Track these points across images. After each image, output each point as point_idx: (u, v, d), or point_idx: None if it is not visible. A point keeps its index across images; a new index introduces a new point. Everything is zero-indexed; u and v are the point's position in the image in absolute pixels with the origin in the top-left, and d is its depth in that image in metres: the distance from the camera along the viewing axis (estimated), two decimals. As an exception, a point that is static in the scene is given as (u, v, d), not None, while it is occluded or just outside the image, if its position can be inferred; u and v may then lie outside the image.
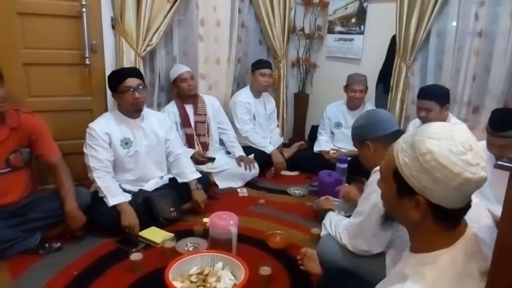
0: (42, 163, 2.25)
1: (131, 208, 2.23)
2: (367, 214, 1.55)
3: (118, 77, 2.34)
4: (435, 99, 2.41)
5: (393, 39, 3.19)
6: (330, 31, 3.86)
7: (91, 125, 2.33)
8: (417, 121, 2.66)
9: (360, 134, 1.70)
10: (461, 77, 2.76)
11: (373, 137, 1.64)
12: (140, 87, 2.35)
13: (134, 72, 2.42)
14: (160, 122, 2.57)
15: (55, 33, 2.55)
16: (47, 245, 2.06)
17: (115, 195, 2.25)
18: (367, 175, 1.62)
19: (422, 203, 0.88)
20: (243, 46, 3.68)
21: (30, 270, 1.90)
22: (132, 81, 2.32)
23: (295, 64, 4.07)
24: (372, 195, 1.52)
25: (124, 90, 2.31)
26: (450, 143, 0.85)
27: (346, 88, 3.28)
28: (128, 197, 2.31)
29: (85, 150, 2.30)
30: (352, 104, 3.32)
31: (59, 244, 2.08)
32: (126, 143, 2.39)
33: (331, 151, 3.26)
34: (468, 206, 0.91)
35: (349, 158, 2.92)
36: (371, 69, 3.42)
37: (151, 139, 2.50)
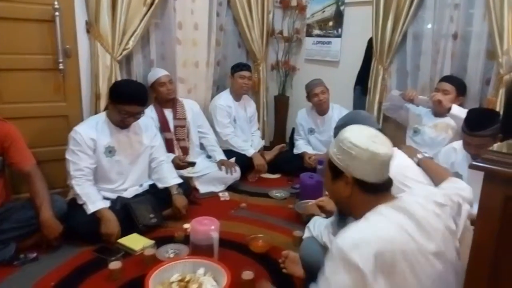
0: (16, 172, 2.18)
1: (112, 215, 2.19)
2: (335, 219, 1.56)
3: (126, 98, 2.24)
4: (456, 85, 2.62)
5: (370, 41, 3.23)
6: (309, 34, 3.89)
7: (77, 129, 2.26)
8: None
9: None
10: (438, 78, 2.81)
11: None
12: (138, 115, 2.32)
13: (142, 99, 2.31)
14: (147, 129, 2.54)
15: (27, 38, 2.48)
16: (22, 255, 2.00)
17: (94, 202, 2.19)
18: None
19: (349, 179, 1.17)
20: (222, 50, 3.67)
21: (5, 282, 1.83)
22: (136, 109, 2.28)
23: (274, 67, 4.08)
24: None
25: (123, 111, 2.26)
26: (360, 132, 1.19)
27: (308, 97, 3.31)
28: (107, 204, 2.26)
29: (66, 156, 2.24)
30: (321, 109, 3.35)
31: (35, 255, 2.02)
32: (110, 151, 2.34)
33: (313, 157, 3.26)
34: (387, 183, 1.20)
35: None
36: (349, 72, 3.47)
37: (136, 149, 2.46)
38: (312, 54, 3.90)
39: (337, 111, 3.33)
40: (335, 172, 1.20)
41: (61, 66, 2.55)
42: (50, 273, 1.91)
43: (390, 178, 1.21)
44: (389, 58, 3.11)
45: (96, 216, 2.16)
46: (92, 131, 2.28)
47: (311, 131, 3.46)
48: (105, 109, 2.48)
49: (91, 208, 2.16)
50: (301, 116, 3.50)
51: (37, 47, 2.52)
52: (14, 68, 2.48)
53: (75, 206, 2.21)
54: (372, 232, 1.07)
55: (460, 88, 2.64)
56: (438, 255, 1.13)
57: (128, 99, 2.25)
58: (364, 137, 1.16)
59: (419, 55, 2.99)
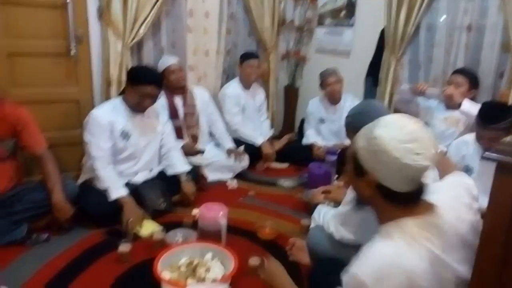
0: (28, 154, 2.21)
1: (134, 202, 2.22)
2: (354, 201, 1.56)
3: (145, 79, 2.28)
4: (469, 78, 2.56)
5: (383, 32, 3.20)
6: (320, 24, 3.86)
7: (94, 112, 2.29)
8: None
9: (354, 122, 1.68)
10: (451, 71, 2.78)
11: None
12: (155, 98, 2.35)
13: (159, 81, 2.37)
14: (158, 115, 2.57)
15: (40, 23, 2.50)
16: (34, 236, 2.04)
17: (117, 188, 2.23)
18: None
19: (372, 183, 1.01)
20: (233, 38, 3.65)
21: (17, 261, 1.88)
22: (154, 90, 2.30)
23: (285, 56, 4.06)
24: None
25: (141, 93, 2.28)
26: (397, 132, 0.97)
27: (322, 86, 3.29)
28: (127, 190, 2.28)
29: (86, 138, 2.26)
30: (333, 99, 3.33)
31: (46, 235, 2.06)
32: (125, 135, 2.36)
33: (321, 148, 3.25)
34: (418, 193, 1.02)
35: (339, 150, 2.93)
36: (361, 62, 3.44)
37: (150, 133, 2.49)
38: (323, 44, 3.87)
39: (349, 101, 3.30)
40: (358, 169, 1.04)
41: (73, 52, 2.57)
42: (61, 254, 1.95)
43: (422, 186, 1.04)
44: (401, 49, 3.07)
45: (109, 201, 2.19)
46: (109, 114, 2.30)
47: (322, 120, 3.44)
48: (120, 93, 2.49)
49: (114, 194, 2.19)
50: (312, 105, 3.48)
51: (49, 32, 2.54)
52: (27, 53, 2.51)
53: (86, 189, 2.25)
54: (394, 260, 0.94)
55: (473, 81, 2.60)
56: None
57: (147, 80, 2.28)
58: (399, 142, 0.96)
59: (432, 46, 2.95)
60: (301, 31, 3.93)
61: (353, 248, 1.62)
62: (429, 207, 1.03)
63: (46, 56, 2.58)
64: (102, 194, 2.21)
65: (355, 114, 1.71)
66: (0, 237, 1.96)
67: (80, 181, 2.37)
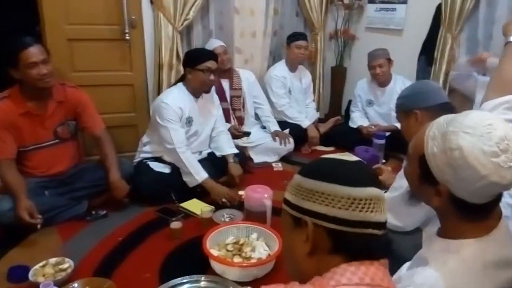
0: (87, 135, 2.36)
1: (215, 183, 2.35)
2: (403, 191, 1.52)
3: (204, 56, 2.40)
4: None
5: (439, 8, 3.02)
6: (371, 0, 3.70)
7: (165, 100, 2.35)
8: None
9: (407, 104, 1.61)
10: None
11: (422, 107, 1.54)
12: (215, 74, 2.43)
13: (216, 55, 2.49)
14: (213, 100, 2.65)
15: (96, 9, 2.62)
16: (94, 212, 2.19)
17: (199, 172, 2.33)
18: (405, 151, 1.57)
19: (444, 194, 0.84)
20: (279, 19, 3.61)
21: (79, 235, 2.04)
22: (214, 65, 2.39)
23: (333, 36, 3.95)
24: (410, 171, 1.48)
25: (204, 69, 2.36)
26: (484, 142, 0.78)
27: (369, 67, 3.16)
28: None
29: (163, 123, 2.33)
30: (380, 81, 3.20)
31: (105, 212, 2.20)
32: (189, 121, 2.45)
33: (370, 127, 3.17)
34: (496, 201, 0.85)
35: (387, 134, 2.85)
36: (414, 41, 3.28)
37: (207, 118, 2.58)
38: (374, 22, 3.71)
39: (400, 83, 3.16)
40: (427, 176, 0.86)
41: (127, 36, 2.66)
42: (118, 229, 2.09)
43: (499, 196, 0.86)
44: (459, 26, 2.89)
45: (159, 178, 2.32)
46: (178, 101, 2.39)
47: (370, 102, 3.34)
48: (178, 81, 2.56)
49: (198, 178, 2.31)
50: (360, 86, 3.38)
51: (104, 17, 2.65)
52: (85, 38, 2.64)
53: (141, 169, 2.38)
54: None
55: None
56: None
57: (205, 56, 2.39)
58: (487, 156, 0.77)
59: (493, 23, 2.76)
60: (351, 8, 3.79)
61: (400, 234, 1.60)
62: (498, 214, 0.89)
63: (102, 41, 2.70)
64: (156, 174, 2.34)
65: (409, 95, 1.62)
66: (63, 212, 2.13)
67: (135, 161, 2.51)
